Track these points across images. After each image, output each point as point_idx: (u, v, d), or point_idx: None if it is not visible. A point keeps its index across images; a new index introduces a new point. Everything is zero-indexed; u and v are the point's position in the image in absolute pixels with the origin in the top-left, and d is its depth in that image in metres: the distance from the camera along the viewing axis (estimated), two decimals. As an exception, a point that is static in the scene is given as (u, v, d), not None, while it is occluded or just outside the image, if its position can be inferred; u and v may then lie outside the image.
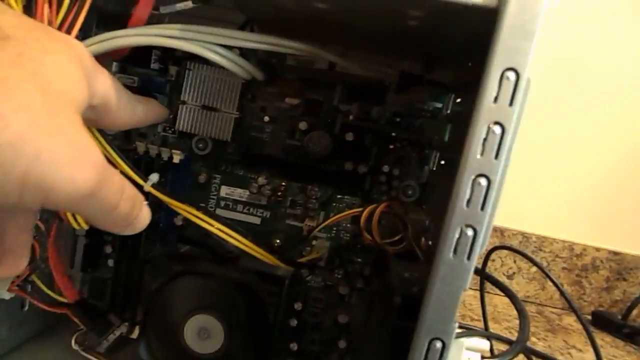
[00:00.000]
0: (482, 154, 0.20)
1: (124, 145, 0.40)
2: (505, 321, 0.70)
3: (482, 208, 0.21)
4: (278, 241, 0.39)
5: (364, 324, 0.35)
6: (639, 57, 0.76)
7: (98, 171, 0.20)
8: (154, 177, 0.30)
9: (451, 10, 0.22)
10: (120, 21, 0.33)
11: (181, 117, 0.39)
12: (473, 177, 0.21)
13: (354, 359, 0.38)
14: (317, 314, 0.40)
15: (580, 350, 0.65)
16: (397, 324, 0.23)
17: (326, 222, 0.36)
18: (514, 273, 0.82)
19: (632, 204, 0.79)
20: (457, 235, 0.21)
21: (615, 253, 0.80)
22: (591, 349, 0.67)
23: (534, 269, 0.81)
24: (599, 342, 0.71)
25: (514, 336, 0.59)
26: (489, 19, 0.21)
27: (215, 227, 0.30)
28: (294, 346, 0.39)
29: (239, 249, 0.35)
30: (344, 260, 0.40)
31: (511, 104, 0.20)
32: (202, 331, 0.33)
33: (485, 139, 0.20)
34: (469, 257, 0.21)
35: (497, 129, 0.20)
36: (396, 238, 0.32)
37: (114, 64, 0.39)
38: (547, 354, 0.58)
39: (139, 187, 0.31)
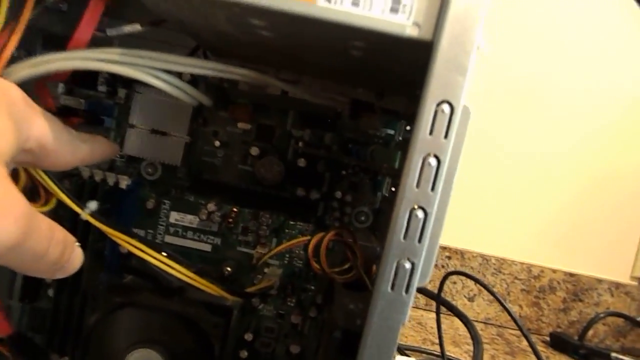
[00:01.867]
0: (418, 186, 0.20)
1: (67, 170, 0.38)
2: (466, 344, 0.70)
3: (420, 240, 0.21)
4: (229, 269, 0.38)
5: (314, 355, 0.34)
6: (600, 83, 0.80)
7: (22, 222, 0.19)
8: (92, 205, 0.29)
9: (388, 42, 0.22)
10: (66, 43, 0.32)
11: (129, 141, 0.38)
12: (410, 208, 0.20)
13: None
14: (269, 344, 0.39)
15: (538, 373, 0.66)
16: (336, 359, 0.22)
17: (276, 250, 0.36)
18: (474, 295, 0.82)
19: (587, 226, 0.82)
20: (394, 268, 0.21)
21: (571, 274, 0.82)
22: (549, 371, 0.68)
23: (495, 289, 0.82)
24: (557, 363, 0.72)
25: (472, 360, 0.59)
26: (426, 52, 0.21)
27: (155, 259, 0.28)
28: (244, 380, 0.38)
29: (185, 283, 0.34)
30: (296, 288, 0.39)
31: (446, 136, 0.20)
32: (144, 366, 0.32)
33: (421, 171, 0.20)
34: (406, 291, 0.21)
35: (433, 161, 0.20)
36: (345, 266, 0.31)
37: (60, 85, 0.38)
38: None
39: (76, 216, 0.30)
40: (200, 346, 0.32)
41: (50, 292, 0.39)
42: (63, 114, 0.37)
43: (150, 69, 0.27)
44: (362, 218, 0.38)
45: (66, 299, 0.38)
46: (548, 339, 0.79)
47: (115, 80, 0.38)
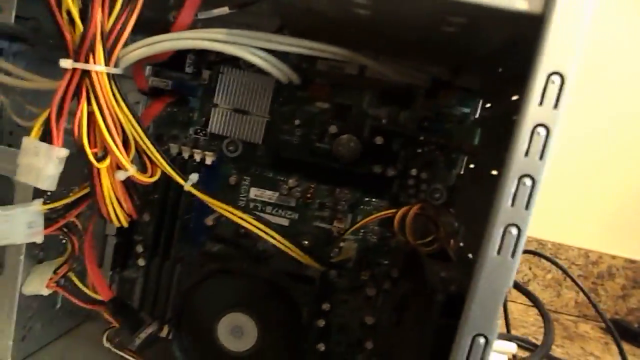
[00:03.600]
0: (527, 155, 0.21)
1: (156, 147, 0.41)
2: (522, 327, 0.70)
3: (527, 207, 0.21)
4: (306, 242, 0.40)
5: (394, 325, 0.35)
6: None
7: None
8: (194, 177, 0.31)
9: (495, 16, 0.22)
10: (157, 28, 0.34)
11: (213, 119, 0.40)
12: (518, 177, 0.21)
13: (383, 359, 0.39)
14: (345, 315, 0.40)
15: (597, 357, 0.65)
16: (439, 322, 0.23)
17: (359, 224, 0.37)
18: (529, 280, 0.82)
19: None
20: (501, 234, 0.21)
21: (632, 261, 0.80)
22: (608, 356, 0.67)
23: (549, 275, 0.81)
24: (615, 349, 0.71)
25: (531, 343, 0.59)
26: (532, 25, 0.21)
27: (254, 225, 0.30)
28: (321, 347, 0.40)
29: (270, 249, 0.36)
30: (371, 262, 0.40)
31: (556, 106, 0.21)
32: (236, 329, 0.34)
33: (530, 141, 0.21)
34: (513, 255, 0.22)
35: (542, 131, 0.21)
36: (428, 239, 0.32)
37: (148, 67, 0.40)
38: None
39: (179, 186, 0.32)
40: (288, 312, 0.34)
41: (141, 262, 0.41)
42: (153, 94, 0.39)
43: (250, 47, 0.29)
44: (437, 195, 0.39)
45: (156, 267, 0.41)
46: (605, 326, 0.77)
47: (200, 61, 0.40)
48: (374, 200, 0.40)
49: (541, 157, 0.21)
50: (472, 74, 0.38)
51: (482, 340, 0.22)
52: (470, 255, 0.30)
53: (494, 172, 0.28)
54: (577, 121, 0.78)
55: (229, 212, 0.30)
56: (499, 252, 0.22)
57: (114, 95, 0.28)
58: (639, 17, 0.76)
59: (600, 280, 0.80)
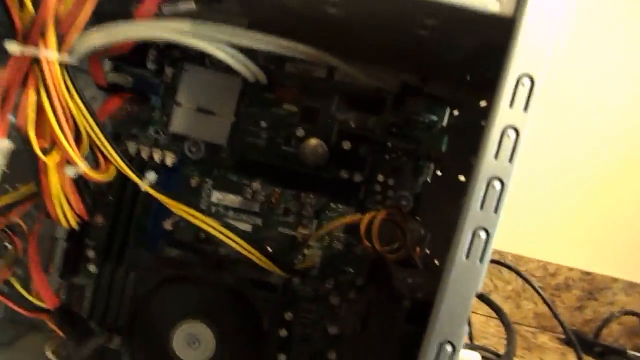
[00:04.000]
0: (496, 157, 0.21)
1: (113, 145, 0.39)
2: (483, 338, 0.70)
3: (496, 211, 0.21)
4: (269, 249, 0.39)
5: (358, 334, 0.34)
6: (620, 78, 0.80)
7: None
8: (152, 177, 0.29)
9: (466, 18, 0.22)
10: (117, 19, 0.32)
11: (175, 119, 0.38)
12: (487, 179, 0.21)
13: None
14: (308, 324, 0.39)
15: (555, 368, 0.66)
16: (405, 329, 0.23)
17: (324, 230, 0.36)
18: (490, 291, 0.83)
19: (603, 225, 0.82)
20: (470, 238, 0.21)
21: (587, 273, 0.82)
22: (566, 367, 0.68)
23: (510, 287, 0.83)
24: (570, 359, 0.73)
25: (494, 352, 0.59)
26: (502, 29, 0.21)
27: (215, 229, 0.29)
28: (282, 357, 0.38)
29: (232, 255, 0.34)
30: (335, 270, 0.39)
31: (526, 108, 0.21)
32: (192, 339, 0.32)
33: (500, 143, 0.21)
34: (481, 260, 0.21)
35: (512, 133, 0.21)
36: (395, 246, 0.32)
37: (108, 62, 0.38)
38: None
39: (136, 187, 0.30)
40: (247, 321, 0.32)
41: (92, 268, 0.39)
42: (111, 90, 0.37)
43: (217, 43, 0.28)
44: (403, 202, 0.38)
45: (108, 274, 0.38)
46: (563, 336, 0.79)
47: (163, 58, 0.38)
48: (340, 206, 0.39)
49: (510, 160, 0.21)
50: (441, 82, 0.39)
51: (449, 348, 0.21)
52: (436, 262, 0.29)
53: (462, 178, 0.28)
54: (537, 129, 0.80)
55: (189, 214, 0.29)
56: (467, 256, 0.21)
57: (66, 85, 0.26)
58: (613, 18, 0.80)
59: (558, 292, 0.82)
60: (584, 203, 0.82)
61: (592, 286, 0.82)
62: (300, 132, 0.38)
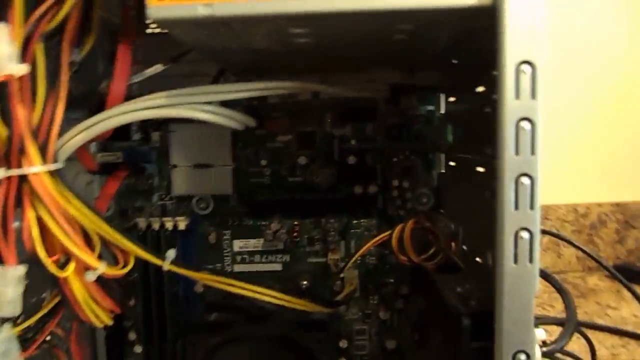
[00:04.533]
0: (517, 154, 0.20)
1: (123, 224, 0.38)
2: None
3: (532, 207, 0.20)
4: (305, 282, 0.38)
5: (418, 344, 0.33)
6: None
7: None
8: (171, 254, 0.29)
9: (443, 17, 0.21)
10: (91, 100, 0.31)
11: (175, 181, 0.38)
12: (515, 177, 0.20)
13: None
14: (364, 346, 0.38)
15: (615, 309, 0.65)
16: (471, 347, 0.22)
17: (356, 256, 0.35)
18: (527, 248, 0.81)
19: (626, 153, 0.80)
20: (512, 242, 0.20)
21: (618, 204, 0.80)
22: (625, 304, 0.67)
23: (545, 239, 0.81)
24: (627, 295, 0.71)
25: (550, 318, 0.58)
26: (483, 16, 0.20)
27: (247, 290, 0.28)
28: (349, 386, 0.37)
29: (271, 304, 0.33)
30: (376, 284, 0.38)
31: (533, 96, 0.19)
32: (256, 398, 0.31)
33: (517, 138, 0.20)
34: (531, 260, 0.20)
35: (527, 125, 0.19)
36: (431, 252, 0.31)
37: (92, 144, 0.38)
38: (593, 322, 0.57)
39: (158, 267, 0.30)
40: (305, 365, 0.32)
41: (137, 349, 0.38)
42: (104, 170, 0.37)
43: (195, 104, 0.27)
44: (424, 200, 0.37)
45: (155, 350, 0.38)
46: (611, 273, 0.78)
47: (145, 125, 0.38)
48: (362, 221, 0.38)
49: (533, 152, 0.20)
50: (428, 71, 0.37)
51: (523, 357, 0.20)
52: (478, 259, 0.28)
53: (480, 169, 0.27)
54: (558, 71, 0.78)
55: (215, 281, 0.28)
56: (515, 261, 0.20)
57: (60, 193, 0.25)
58: None
59: (594, 231, 0.81)
60: (597, 136, 0.81)
61: (627, 215, 0.80)
62: (302, 160, 0.37)
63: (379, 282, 0.38)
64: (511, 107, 0.20)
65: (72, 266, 0.25)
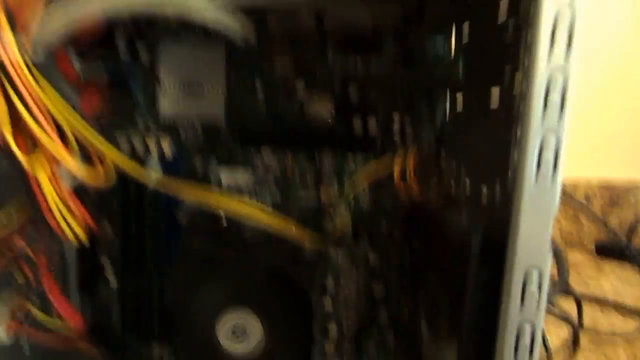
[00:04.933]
0: (552, 47, 0.18)
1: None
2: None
3: (561, 116, 0.18)
4: (295, 220, 0.36)
5: (410, 291, 0.32)
6: None
7: None
8: (156, 167, 0.26)
9: None
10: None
11: (163, 104, 0.35)
12: (548, 75, 0.18)
13: (399, 332, 0.36)
14: (351, 291, 0.37)
15: (595, 279, 0.65)
16: (475, 272, 0.20)
17: (354, 186, 0.33)
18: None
19: (616, 131, 0.80)
20: (536, 154, 0.18)
21: (606, 181, 0.81)
22: (604, 277, 0.67)
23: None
24: (608, 270, 0.72)
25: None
26: None
27: (236, 206, 0.26)
28: (332, 328, 0.36)
29: (258, 237, 0.32)
30: (368, 229, 0.37)
31: (569, 46, 0.18)
32: (238, 330, 0.30)
33: (553, 31, 0.18)
34: (554, 169, 0.18)
35: (565, 13, 0.18)
36: (433, 186, 0.29)
37: (77, 59, 0.35)
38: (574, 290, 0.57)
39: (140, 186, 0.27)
40: (291, 299, 0.30)
41: (113, 282, 0.36)
42: (86, 88, 0.34)
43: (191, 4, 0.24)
44: (425, 140, 0.36)
45: (132, 283, 0.35)
46: (592, 248, 0.78)
47: (135, 40, 0.35)
48: (359, 158, 0.36)
49: (569, 45, 0.18)
50: (439, 2, 0.35)
51: (535, 273, 0.19)
52: (484, 191, 0.27)
53: (495, 94, 0.25)
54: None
55: (208, 198, 0.26)
56: (537, 169, 0.18)
57: (37, 82, 0.22)
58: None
59: (581, 206, 0.81)
60: (588, 112, 0.80)
61: (614, 193, 0.81)
62: (299, 88, 0.35)
63: (371, 227, 0.37)
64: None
65: (40, 156, 0.22)
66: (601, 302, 0.57)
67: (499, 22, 0.25)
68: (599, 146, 0.81)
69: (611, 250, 0.75)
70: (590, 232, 0.81)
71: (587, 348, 0.44)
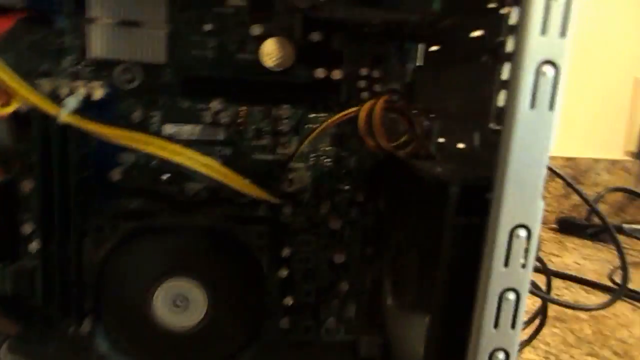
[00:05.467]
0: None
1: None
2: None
3: (563, 33, 0.15)
4: (247, 181, 0.32)
5: (367, 260, 0.29)
6: None
7: None
8: (71, 102, 0.22)
9: None
10: None
11: (93, 41, 0.30)
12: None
13: (361, 301, 0.33)
14: (309, 258, 0.33)
15: (558, 256, 0.65)
16: (454, 223, 0.17)
17: (308, 139, 0.29)
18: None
19: (580, 111, 0.80)
20: (532, 79, 0.15)
21: (569, 159, 0.80)
22: (567, 253, 0.67)
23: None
24: (569, 245, 0.72)
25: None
26: None
27: (170, 151, 0.22)
28: (288, 301, 0.33)
29: (202, 192, 0.28)
30: (330, 190, 0.33)
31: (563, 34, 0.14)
32: (177, 299, 0.26)
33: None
34: (551, 107, 0.15)
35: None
36: (401, 140, 0.26)
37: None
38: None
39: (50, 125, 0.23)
40: (240, 265, 0.26)
41: (34, 245, 0.31)
42: (-1, 14, 0.28)
43: None
44: (395, 96, 0.32)
45: (56, 247, 0.31)
46: (555, 226, 0.78)
47: (59, -38, 0.29)
48: (322, 114, 0.32)
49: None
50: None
51: (522, 232, 0.16)
52: (460, 146, 0.23)
53: (477, 33, 0.22)
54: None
55: (141, 141, 0.22)
56: (532, 105, 0.15)
57: None
58: None
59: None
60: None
61: (576, 171, 0.81)
62: (255, 31, 0.31)
63: (332, 187, 0.33)
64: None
65: None
66: (564, 277, 0.56)
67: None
68: (564, 125, 0.81)
69: (573, 227, 0.75)
70: (552, 210, 0.81)
71: (552, 324, 0.43)
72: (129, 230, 0.25)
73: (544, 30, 0.15)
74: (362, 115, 0.25)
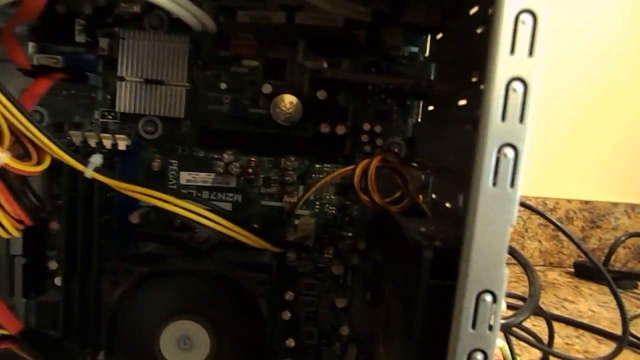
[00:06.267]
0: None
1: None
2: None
3: (522, 120, 0.17)
4: (255, 226, 0.34)
5: (371, 302, 0.30)
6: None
7: None
8: (96, 159, 0.24)
9: None
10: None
11: (121, 96, 0.33)
12: (507, 81, 0.16)
13: (361, 345, 0.34)
14: (312, 302, 0.35)
15: (572, 302, 0.64)
16: (429, 285, 0.19)
17: (311, 190, 0.31)
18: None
19: (597, 154, 0.80)
20: (494, 159, 0.17)
21: (586, 202, 0.80)
22: (582, 299, 0.66)
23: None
24: (585, 291, 0.71)
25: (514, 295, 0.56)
26: None
27: (183, 209, 0.24)
28: (290, 342, 0.34)
29: (212, 239, 0.30)
30: (333, 237, 0.35)
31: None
32: (183, 340, 0.28)
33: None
34: (512, 184, 0.17)
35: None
36: (396, 195, 0.28)
37: (31, 44, 0.33)
38: (550, 312, 0.56)
39: (78, 175, 0.26)
40: (243, 310, 0.28)
41: (58, 280, 0.34)
42: (40, 73, 0.32)
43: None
44: (395, 149, 0.34)
45: (78, 284, 0.33)
46: (572, 270, 0.77)
47: (94, 27, 0.33)
48: (326, 165, 0.35)
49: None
50: (415, 8, 0.34)
51: (488, 297, 0.17)
52: (448, 205, 0.25)
53: (462, 102, 0.24)
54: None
55: (148, 196, 0.24)
56: (494, 183, 0.17)
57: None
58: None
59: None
60: (572, 134, 0.80)
61: (594, 214, 0.80)
62: (267, 89, 0.33)
63: (336, 234, 0.35)
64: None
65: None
66: (577, 325, 0.55)
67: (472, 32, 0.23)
68: (580, 168, 0.81)
69: (590, 271, 0.74)
70: (571, 253, 0.80)
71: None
72: (140, 275, 0.27)
73: (503, 117, 0.17)
74: (358, 172, 0.27)
